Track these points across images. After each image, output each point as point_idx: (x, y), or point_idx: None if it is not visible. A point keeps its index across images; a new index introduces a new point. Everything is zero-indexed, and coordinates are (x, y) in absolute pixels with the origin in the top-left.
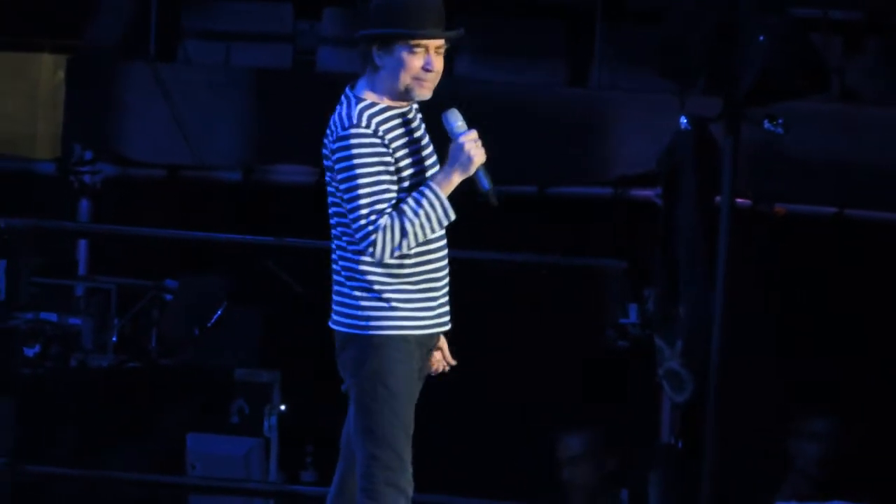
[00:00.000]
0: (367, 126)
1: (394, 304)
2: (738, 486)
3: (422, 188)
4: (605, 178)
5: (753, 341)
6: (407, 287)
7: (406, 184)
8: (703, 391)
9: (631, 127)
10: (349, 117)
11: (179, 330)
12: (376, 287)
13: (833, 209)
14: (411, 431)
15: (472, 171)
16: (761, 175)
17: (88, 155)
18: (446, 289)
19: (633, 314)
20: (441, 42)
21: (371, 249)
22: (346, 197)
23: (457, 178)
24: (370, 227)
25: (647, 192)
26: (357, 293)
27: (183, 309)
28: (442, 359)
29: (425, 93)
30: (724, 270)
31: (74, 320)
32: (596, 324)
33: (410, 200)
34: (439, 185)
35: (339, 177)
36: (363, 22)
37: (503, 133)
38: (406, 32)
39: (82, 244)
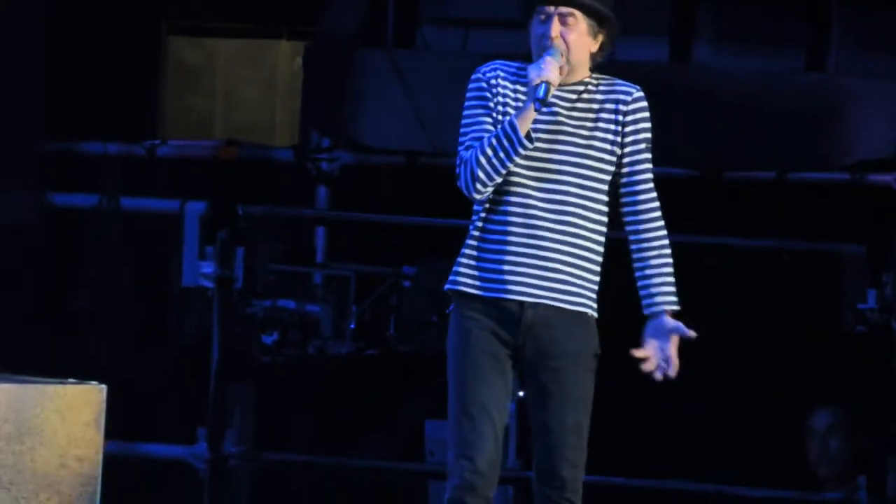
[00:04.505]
0: (482, 74)
1: (462, 258)
2: None
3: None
4: (844, 164)
5: None
6: (476, 244)
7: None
8: None
9: (869, 112)
10: None
11: (418, 316)
12: (466, 241)
13: None
14: (475, 404)
15: (535, 85)
16: None
17: (326, 142)
18: (538, 259)
19: (871, 299)
20: (567, 9)
21: (458, 182)
22: None
23: (531, 105)
24: (458, 161)
25: (885, 177)
26: None
27: (421, 295)
28: (657, 356)
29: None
30: None
31: (313, 307)
32: (834, 309)
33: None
34: (516, 115)
35: None
36: None
37: (742, 120)
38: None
39: (320, 231)
